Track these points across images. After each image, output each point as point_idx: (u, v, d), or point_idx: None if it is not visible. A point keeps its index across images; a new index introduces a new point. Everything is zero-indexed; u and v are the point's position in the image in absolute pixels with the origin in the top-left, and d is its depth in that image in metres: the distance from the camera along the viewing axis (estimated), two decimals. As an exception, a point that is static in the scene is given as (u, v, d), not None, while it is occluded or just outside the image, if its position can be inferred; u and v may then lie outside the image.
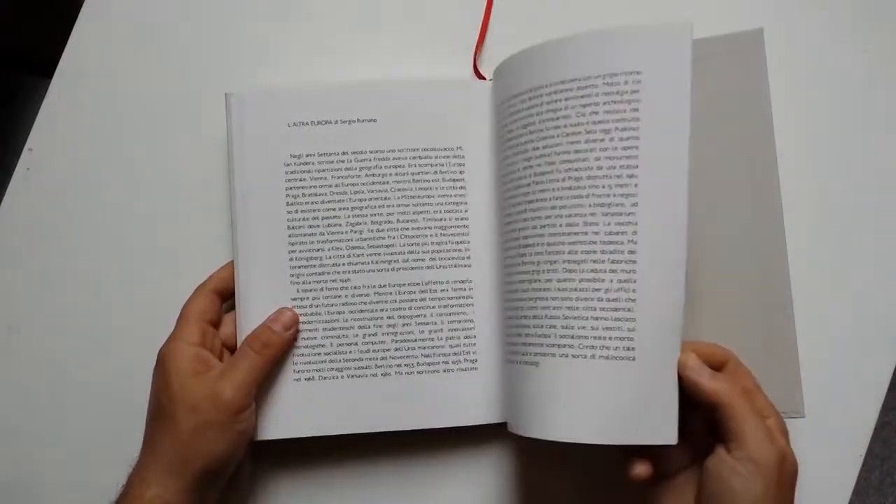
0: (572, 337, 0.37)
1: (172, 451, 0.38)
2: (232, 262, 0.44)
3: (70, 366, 0.47)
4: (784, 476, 0.34)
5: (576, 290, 0.37)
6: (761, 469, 0.33)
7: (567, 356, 0.37)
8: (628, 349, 0.36)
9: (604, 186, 0.37)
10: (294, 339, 0.43)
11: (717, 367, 0.37)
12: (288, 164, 0.44)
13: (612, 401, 0.37)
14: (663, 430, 0.36)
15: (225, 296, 0.44)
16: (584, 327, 0.37)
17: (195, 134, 0.49)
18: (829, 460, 0.44)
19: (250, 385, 0.40)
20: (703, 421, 0.36)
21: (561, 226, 0.38)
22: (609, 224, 0.37)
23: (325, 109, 0.44)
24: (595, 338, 0.37)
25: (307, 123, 0.44)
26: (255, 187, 0.44)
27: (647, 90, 0.36)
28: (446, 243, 0.44)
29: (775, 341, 0.42)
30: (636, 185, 0.36)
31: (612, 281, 0.37)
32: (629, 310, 0.36)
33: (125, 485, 0.39)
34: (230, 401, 0.39)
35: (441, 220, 0.44)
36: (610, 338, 0.37)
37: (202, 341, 0.41)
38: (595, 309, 0.37)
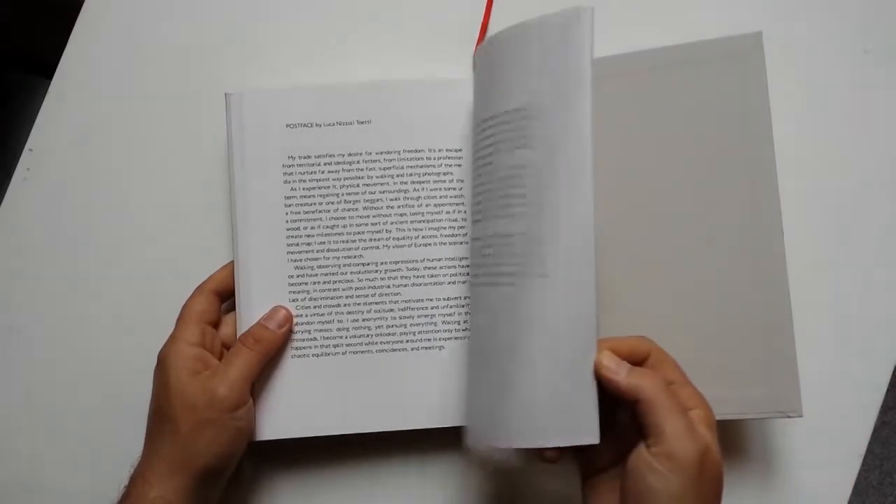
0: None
1: (173, 451, 0.38)
2: (231, 262, 0.44)
3: (70, 366, 0.47)
4: (706, 472, 0.33)
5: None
6: (679, 465, 0.33)
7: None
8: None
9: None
10: (288, 336, 0.43)
11: (639, 360, 0.36)
12: (286, 166, 0.44)
13: (529, 400, 0.36)
14: (584, 429, 0.35)
15: (224, 296, 0.44)
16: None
17: (195, 134, 0.49)
18: (828, 460, 0.44)
19: (243, 381, 0.40)
20: (629, 416, 0.35)
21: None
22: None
23: (321, 111, 0.44)
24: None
25: (305, 125, 0.44)
26: (253, 187, 0.44)
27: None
28: (446, 245, 0.44)
29: (773, 340, 0.42)
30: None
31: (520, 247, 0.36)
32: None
33: (127, 485, 0.39)
34: (225, 398, 0.39)
35: (439, 222, 0.44)
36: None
37: (202, 342, 0.41)
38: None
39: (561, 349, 0.36)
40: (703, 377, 0.38)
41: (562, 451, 0.36)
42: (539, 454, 0.36)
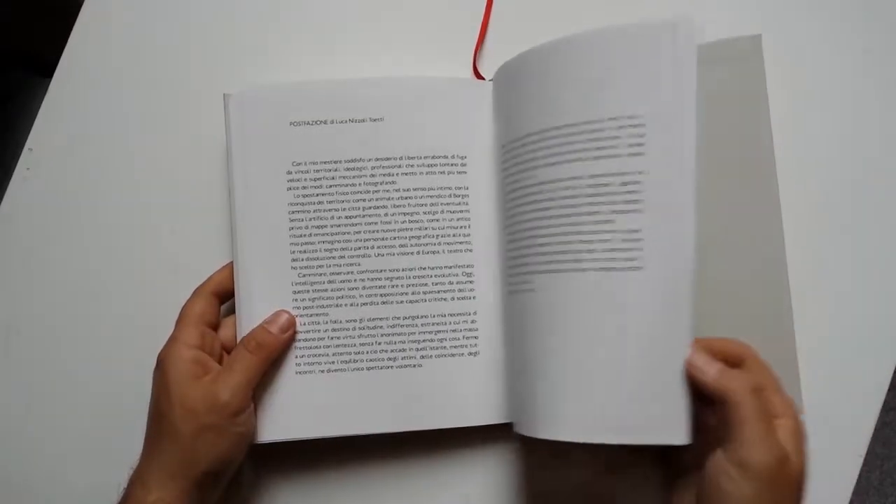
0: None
1: (172, 454, 0.38)
2: (230, 263, 0.44)
3: (70, 366, 0.47)
4: (782, 481, 0.33)
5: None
6: (752, 472, 0.33)
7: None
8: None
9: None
10: (291, 341, 0.42)
11: (733, 362, 0.36)
12: (290, 173, 0.43)
13: (619, 396, 0.36)
14: (674, 429, 0.35)
15: (224, 297, 0.44)
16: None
17: (195, 134, 0.49)
18: (829, 460, 0.44)
19: (246, 386, 0.40)
20: (716, 418, 0.35)
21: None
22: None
23: (329, 107, 0.43)
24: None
25: (310, 123, 0.43)
26: (256, 190, 0.43)
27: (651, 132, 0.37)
28: (450, 253, 0.43)
29: (774, 339, 0.42)
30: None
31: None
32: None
33: (126, 488, 0.39)
34: (227, 403, 0.39)
35: (444, 230, 0.43)
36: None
37: (201, 344, 0.41)
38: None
39: (655, 344, 0.36)
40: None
41: (641, 452, 0.36)
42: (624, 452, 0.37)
